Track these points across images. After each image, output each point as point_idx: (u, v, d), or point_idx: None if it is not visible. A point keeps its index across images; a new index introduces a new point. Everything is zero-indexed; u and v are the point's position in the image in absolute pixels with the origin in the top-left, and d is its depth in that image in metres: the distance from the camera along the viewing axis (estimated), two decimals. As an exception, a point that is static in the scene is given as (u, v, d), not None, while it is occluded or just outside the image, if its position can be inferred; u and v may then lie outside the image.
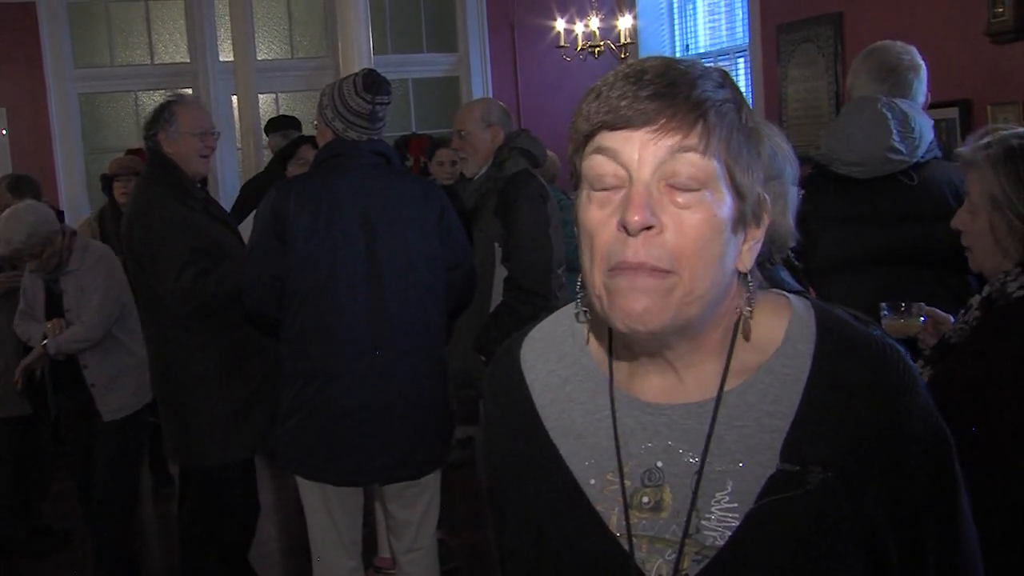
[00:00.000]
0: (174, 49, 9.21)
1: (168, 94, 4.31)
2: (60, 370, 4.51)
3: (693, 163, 1.12)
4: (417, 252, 3.48)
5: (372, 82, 3.52)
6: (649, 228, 1.11)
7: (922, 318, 2.66)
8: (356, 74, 3.61)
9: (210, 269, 3.75)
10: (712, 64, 1.40)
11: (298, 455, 3.50)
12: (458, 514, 5.13)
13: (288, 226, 3.41)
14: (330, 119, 3.55)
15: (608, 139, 1.15)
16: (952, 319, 2.64)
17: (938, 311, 2.67)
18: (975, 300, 2.27)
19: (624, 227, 1.11)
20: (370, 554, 4.53)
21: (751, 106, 1.24)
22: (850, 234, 3.17)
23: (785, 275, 2.00)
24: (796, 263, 1.95)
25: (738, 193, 1.16)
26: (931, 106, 5.15)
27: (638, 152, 1.13)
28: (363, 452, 3.43)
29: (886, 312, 2.68)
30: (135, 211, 3.92)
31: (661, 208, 1.12)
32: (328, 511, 3.55)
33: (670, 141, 1.12)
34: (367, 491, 3.76)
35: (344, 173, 3.47)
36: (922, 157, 3.17)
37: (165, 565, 5.13)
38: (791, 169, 1.70)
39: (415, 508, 3.65)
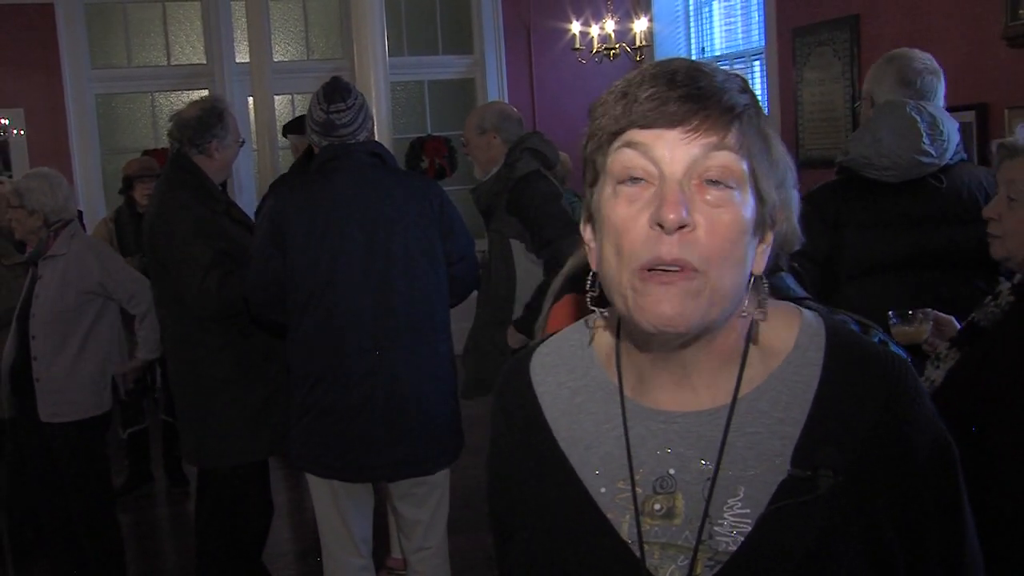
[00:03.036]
0: (191, 50, 9.26)
1: (208, 97, 4.26)
2: (17, 369, 4.37)
3: (726, 161, 1.13)
4: (418, 249, 3.50)
5: (328, 92, 3.57)
6: (684, 227, 1.11)
7: (929, 324, 2.66)
8: (324, 83, 3.64)
9: (234, 272, 3.76)
10: (727, 67, 1.40)
11: (309, 453, 3.52)
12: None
13: (286, 231, 3.44)
14: (307, 129, 3.63)
15: (639, 135, 1.14)
16: (955, 321, 2.64)
17: (942, 315, 2.67)
18: (1005, 286, 2.27)
19: (659, 224, 1.11)
20: (383, 555, 4.54)
21: (766, 110, 1.24)
22: (882, 238, 3.17)
23: (790, 281, 2.00)
24: (798, 268, 1.96)
25: (760, 197, 1.17)
26: (948, 110, 5.12)
27: (670, 150, 1.13)
28: (372, 449, 3.45)
29: (894, 320, 2.67)
30: (159, 213, 3.93)
31: (693, 207, 1.12)
32: (338, 509, 3.57)
33: (705, 140, 1.13)
34: (378, 491, 3.77)
35: (340, 175, 3.50)
36: (950, 160, 3.16)
37: (180, 565, 5.15)
38: (791, 174, 1.72)
39: (424, 507, 3.66)
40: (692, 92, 1.13)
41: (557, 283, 2.44)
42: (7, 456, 4.96)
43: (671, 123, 1.13)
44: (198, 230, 3.82)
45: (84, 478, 4.38)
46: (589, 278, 1.24)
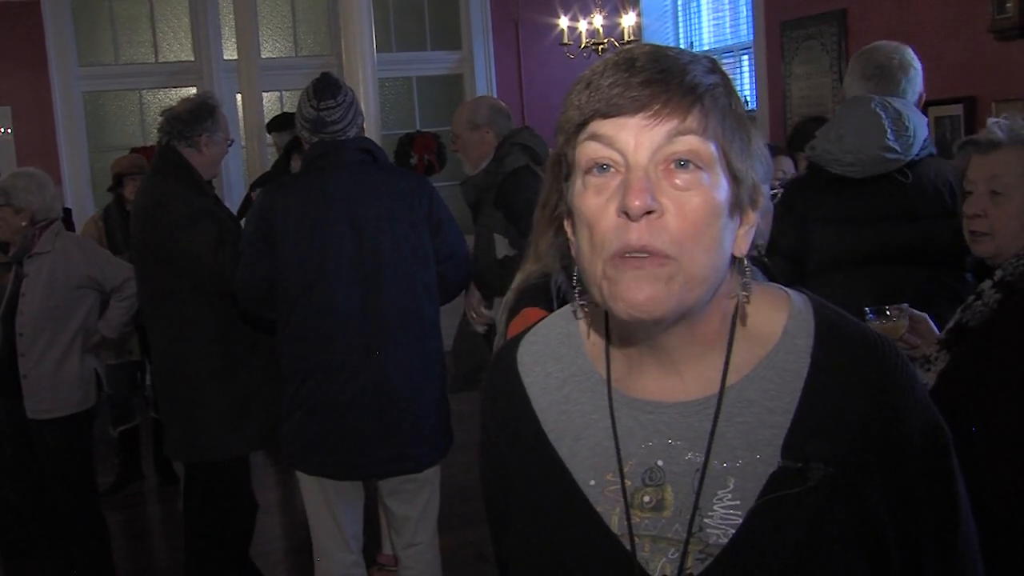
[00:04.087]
0: (178, 47, 9.22)
1: (200, 94, 4.27)
2: (1, 367, 4.36)
3: (692, 144, 1.12)
4: (407, 246, 3.50)
5: (318, 88, 3.57)
6: (651, 212, 1.10)
7: (905, 320, 2.66)
8: (314, 80, 3.64)
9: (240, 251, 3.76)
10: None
11: (299, 451, 3.52)
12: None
13: (276, 227, 3.44)
14: (298, 125, 3.64)
15: (602, 126, 1.13)
16: (928, 317, 2.64)
17: (916, 312, 2.66)
18: (987, 284, 2.27)
19: (625, 212, 1.10)
20: (374, 551, 4.54)
21: (754, 104, 1.23)
22: (846, 234, 3.18)
23: (757, 274, 2.00)
24: (766, 259, 1.96)
25: (734, 177, 1.16)
26: (935, 104, 5.14)
27: (634, 138, 1.12)
28: (361, 446, 3.45)
29: (871, 316, 2.67)
30: (153, 205, 3.92)
31: (660, 192, 1.11)
32: (328, 506, 3.57)
33: (667, 125, 1.11)
34: (369, 487, 3.78)
35: (330, 172, 3.50)
36: (916, 155, 3.17)
37: (170, 563, 5.14)
38: (762, 166, 1.74)
39: (414, 503, 3.66)
40: (653, 76, 1.12)
41: (510, 297, 2.42)
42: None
43: (633, 109, 1.11)
44: (196, 214, 3.84)
45: (69, 475, 4.38)
46: (575, 273, 1.23)
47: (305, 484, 3.60)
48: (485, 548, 4.87)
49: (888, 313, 2.65)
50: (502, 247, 4.18)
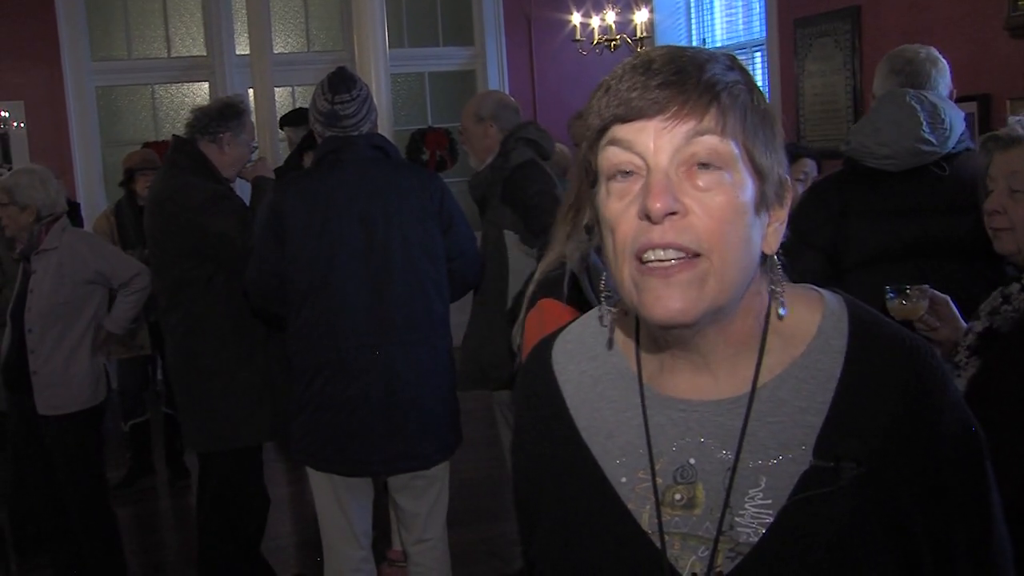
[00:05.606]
0: (191, 42, 9.24)
1: (234, 95, 4.33)
2: (11, 363, 4.40)
3: (711, 145, 1.11)
4: (417, 243, 3.49)
5: (334, 82, 3.56)
6: (673, 214, 1.09)
7: (925, 301, 2.65)
8: (329, 73, 3.64)
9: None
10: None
11: (309, 447, 3.52)
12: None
13: (286, 223, 3.44)
14: (311, 119, 3.63)
15: (622, 131, 1.13)
16: (951, 301, 2.62)
17: (938, 294, 2.65)
18: (1015, 288, 2.25)
19: (647, 216, 1.10)
20: (384, 547, 4.54)
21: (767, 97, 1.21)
22: (884, 227, 3.16)
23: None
24: (782, 258, 1.95)
25: (758, 174, 1.15)
26: (950, 101, 5.09)
27: (653, 141, 1.11)
28: (369, 443, 3.45)
29: (891, 295, 2.67)
30: (169, 196, 3.95)
31: (682, 193, 1.10)
32: (338, 502, 3.57)
33: (685, 127, 1.10)
34: (378, 483, 3.77)
35: (341, 168, 3.49)
36: (953, 148, 3.15)
37: (182, 557, 5.15)
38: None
39: (423, 500, 3.66)
40: (669, 78, 1.11)
41: (530, 289, 2.43)
42: (8, 452, 4.97)
43: (651, 112, 1.11)
44: (215, 197, 3.88)
45: (78, 471, 4.40)
46: (603, 278, 1.23)
47: (315, 480, 3.60)
48: (495, 544, 4.89)
49: (908, 293, 2.64)
50: (513, 243, 4.17)
